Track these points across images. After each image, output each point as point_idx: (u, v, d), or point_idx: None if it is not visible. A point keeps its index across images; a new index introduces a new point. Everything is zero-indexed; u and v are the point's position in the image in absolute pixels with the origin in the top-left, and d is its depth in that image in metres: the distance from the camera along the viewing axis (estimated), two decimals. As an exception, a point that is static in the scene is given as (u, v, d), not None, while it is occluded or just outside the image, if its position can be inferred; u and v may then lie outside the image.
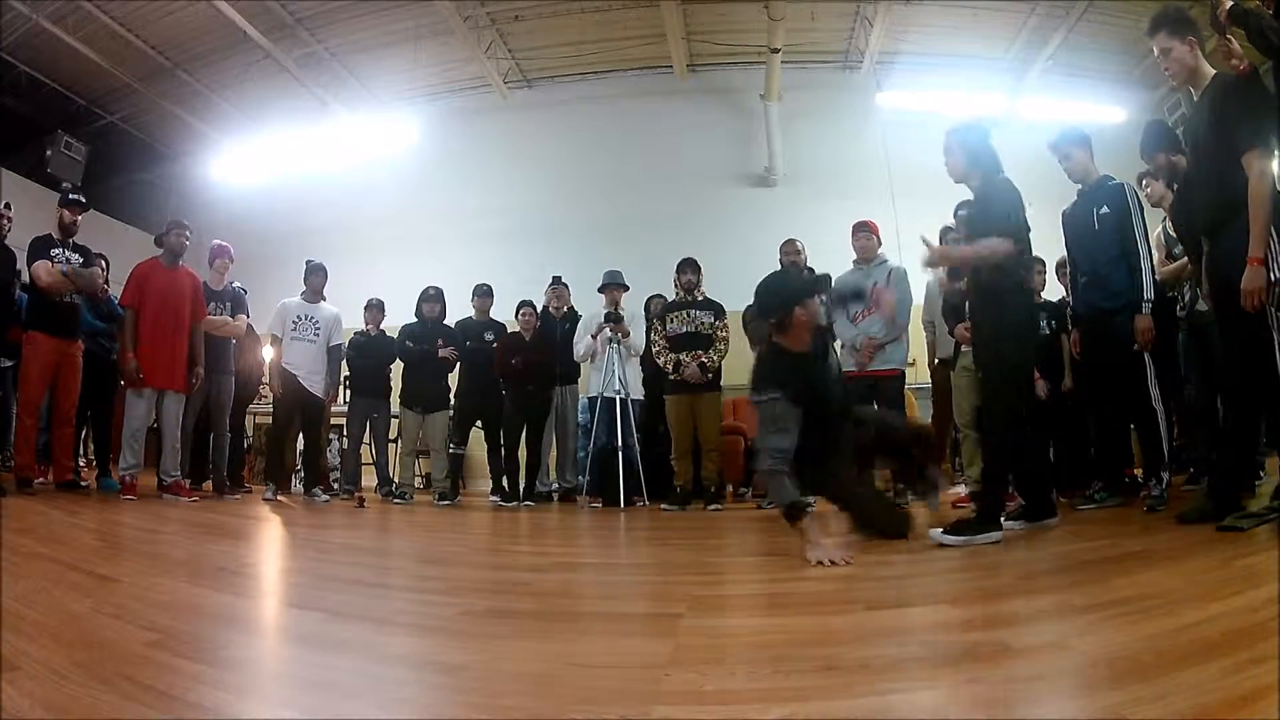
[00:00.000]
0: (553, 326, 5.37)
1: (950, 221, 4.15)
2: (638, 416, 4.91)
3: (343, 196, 8.42)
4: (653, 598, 1.79)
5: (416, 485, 5.63)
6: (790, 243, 4.60)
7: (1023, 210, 2.53)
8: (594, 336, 4.89)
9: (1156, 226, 3.65)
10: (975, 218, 2.64)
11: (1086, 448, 3.76)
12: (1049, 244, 3.53)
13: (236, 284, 5.05)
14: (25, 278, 4.13)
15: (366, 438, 5.38)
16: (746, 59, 7.83)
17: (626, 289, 5.13)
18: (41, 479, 4.15)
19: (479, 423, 5.33)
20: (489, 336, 5.31)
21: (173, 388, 4.28)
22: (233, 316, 4.90)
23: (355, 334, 5.46)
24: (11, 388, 4.41)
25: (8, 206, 4.16)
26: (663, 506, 4.54)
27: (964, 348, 3.91)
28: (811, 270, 4.61)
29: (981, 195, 2.65)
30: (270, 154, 8.09)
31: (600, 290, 5.06)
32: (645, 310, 5.32)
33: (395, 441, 5.67)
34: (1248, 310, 2.17)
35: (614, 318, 4.84)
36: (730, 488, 5.50)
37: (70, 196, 4.34)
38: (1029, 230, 2.54)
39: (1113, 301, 3.05)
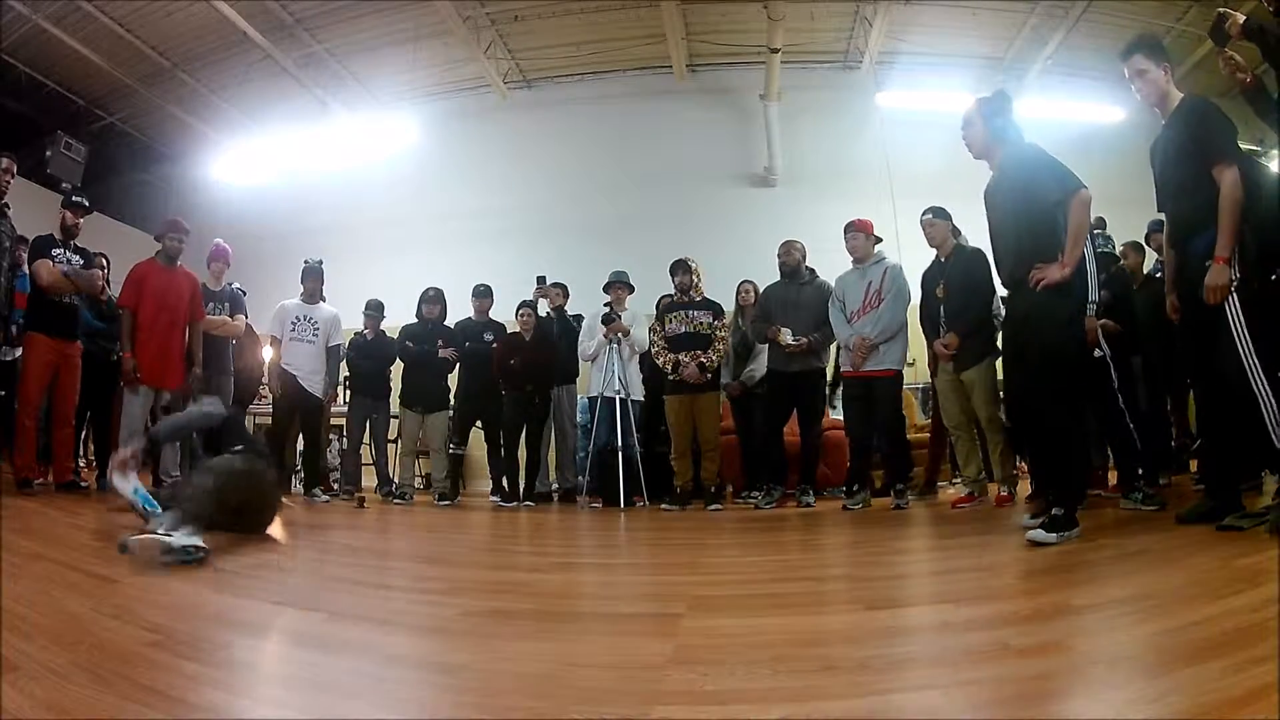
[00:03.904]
0: (549, 326, 5.37)
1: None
2: (638, 416, 4.92)
3: (343, 196, 8.41)
4: (653, 598, 1.79)
5: (416, 485, 5.63)
6: (789, 243, 4.60)
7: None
8: (605, 337, 4.89)
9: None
10: (1017, 191, 2.56)
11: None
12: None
13: (235, 285, 5.04)
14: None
15: (366, 438, 5.38)
16: (746, 59, 7.82)
17: (631, 290, 5.15)
18: (41, 479, 4.14)
19: (479, 423, 5.33)
20: (488, 337, 5.31)
21: (169, 387, 4.27)
22: (231, 317, 4.90)
23: (355, 335, 5.47)
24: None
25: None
26: (663, 506, 4.54)
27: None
28: (812, 270, 4.61)
29: (1016, 166, 2.60)
30: (270, 154, 8.08)
31: (605, 289, 5.09)
32: (656, 309, 5.31)
33: (395, 442, 5.67)
34: (1209, 304, 2.27)
35: (609, 318, 4.85)
36: (730, 488, 5.50)
37: (73, 199, 4.33)
38: None
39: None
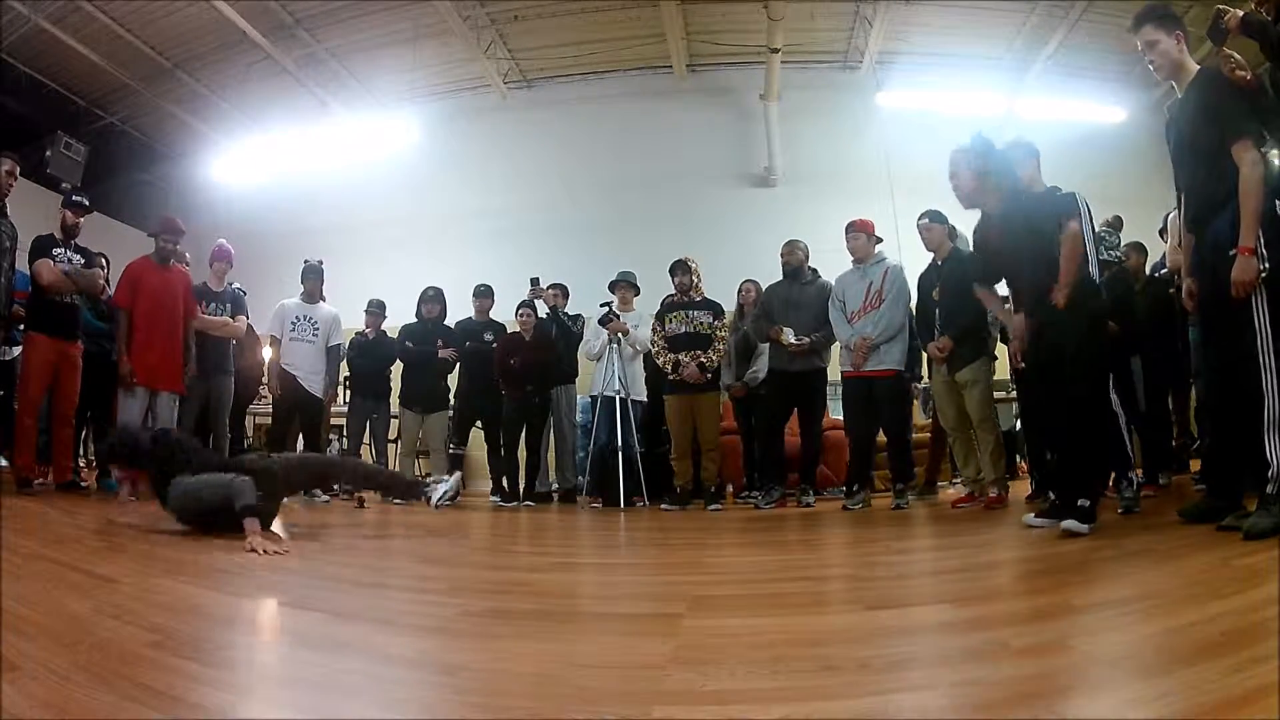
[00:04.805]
0: (549, 327, 5.37)
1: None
2: (639, 416, 4.91)
3: (343, 196, 8.42)
4: (653, 598, 1.79)
5: (416, 485, 5.62)
6: (792, 243, 4.60)
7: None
8: (614, 338, 4.90)
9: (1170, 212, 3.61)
10: (1022, 236, 2.61)
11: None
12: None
13: (236, 285, 5.05)
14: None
15: (366, 438, 5.38)
16: (746, 59, 7.82)
17: (637, 290, 5.15)
18: (41, 479, 4.14)
19: (479, 423, 5.33)
20: (488, 337, 5.31)
21: (167, 388, 4.27)
22: (232, 317, 4.90)
23: (355, 335, 5.47)
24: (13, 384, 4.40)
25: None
26: (663, 506, 4.54)
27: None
28: (814, 270, 4.61)
29: (1014, 211, 2.62)
30: (270, 154, 8.09)
31: (610, 288, 5.11)
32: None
33: (395, 442, 5.67)
34: (1237, 298, 2.14)
35: (607, 318, 4.85)
36: (730, 488, 5.50)
37: (74, 198, 4.33)
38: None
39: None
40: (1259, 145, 2.17)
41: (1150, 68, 2.45)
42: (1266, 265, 2.11)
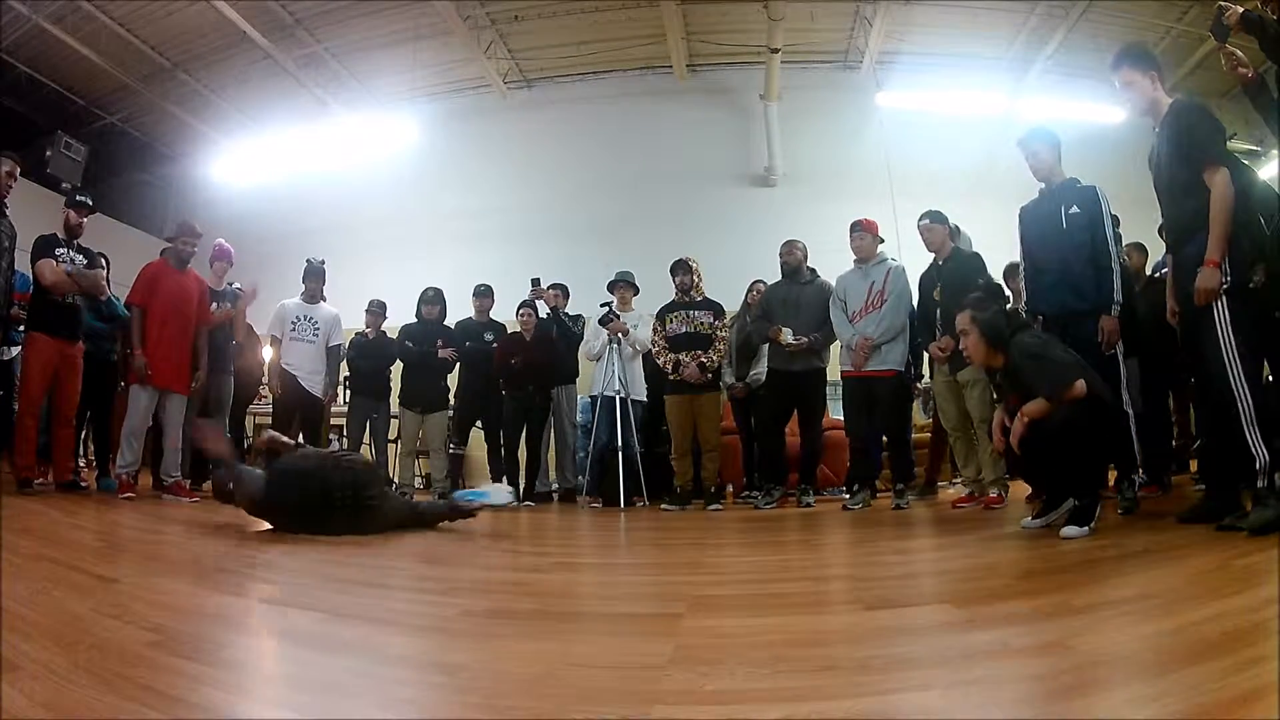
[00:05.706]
0: (550, 327, 5.37)
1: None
2: (639, 416, 4.91)
3: (343, 196, 8.42)
4: (653, 598, 1.79)
5: (416, 485, 5.63)
6: (791, 243, 4.60)
7: (1066, 363, 2.58)
8: (614, 338, 4.89)
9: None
10: (1019, 383, 2.66)
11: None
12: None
13: (236, 285, 5.05)
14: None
15: (366, 438, 5.38)
16: (746, 59, 7.84)
17: (636, 290, 5.15)
18: (41, 479, 4.14)
19: (479, 423, 5.33)
20: (489, 337, 5.31)
21: (176, 389, 4.28)
22: (231, 318, 4.90)
23: (355, 335, 5.46)
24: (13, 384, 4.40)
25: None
26: (663, 506, 4.54)
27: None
28: (813, 270, 4.61)
29: (1015, 368, 2.66)
30: (270, 154, 8.10)
31: (609, 289, 5.10)
32: None
33: (395, 442, 5.68)
34: (1198, 305, 2.26)
35: (606, 319, 4.85)
36: (730, 488, 5.50)
37: (78, 198, 4.33)
38: (1085, 366, 2.61)
39: (1084, 303, 3.05)
40: (1227, 166, 2.29)
41: (1128, 107, 2.62)
42: (1229, 279, 2.23)
